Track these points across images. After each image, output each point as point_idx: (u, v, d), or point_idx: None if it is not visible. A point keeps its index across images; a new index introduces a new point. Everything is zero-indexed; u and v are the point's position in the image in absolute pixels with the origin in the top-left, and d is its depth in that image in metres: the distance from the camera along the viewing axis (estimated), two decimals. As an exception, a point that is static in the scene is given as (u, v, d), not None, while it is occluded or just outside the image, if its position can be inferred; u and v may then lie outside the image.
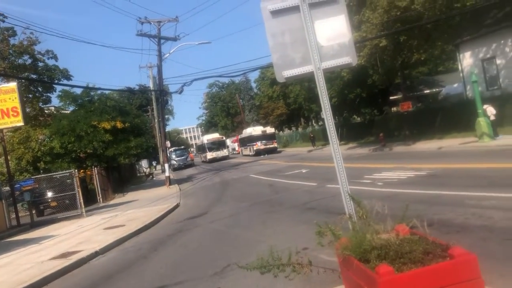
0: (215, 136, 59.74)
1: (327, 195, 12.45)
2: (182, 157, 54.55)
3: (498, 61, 24.92)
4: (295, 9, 4.37)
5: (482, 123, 19.33)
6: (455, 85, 35.59)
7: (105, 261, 9.78)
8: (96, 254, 10.31)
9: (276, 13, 4.37)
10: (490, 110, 19.93)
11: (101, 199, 24.47)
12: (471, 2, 21.59)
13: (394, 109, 39.89)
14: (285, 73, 4.37)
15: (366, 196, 8.09)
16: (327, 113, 4.43)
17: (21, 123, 17.54)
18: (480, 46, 25.94)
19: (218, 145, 55.56)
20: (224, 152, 55.13)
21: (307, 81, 41.11)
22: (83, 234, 13.56)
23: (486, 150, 16.73)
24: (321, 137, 45.95)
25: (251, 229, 10.00)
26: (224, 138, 60.27)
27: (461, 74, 28.54)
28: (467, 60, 27.30)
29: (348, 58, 4.38)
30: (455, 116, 24.66)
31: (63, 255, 10.35)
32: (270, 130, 51.03)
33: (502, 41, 24.35)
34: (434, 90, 42.70)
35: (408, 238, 3.31)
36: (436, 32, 24.89)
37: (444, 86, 40.80)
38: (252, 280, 6.28)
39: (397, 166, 16.02)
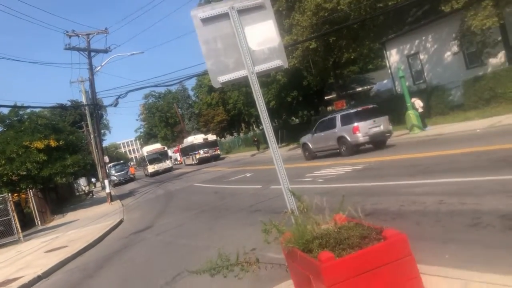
0: (155, 147, 55.79)
1: (272, 196, 12.69)
2: (122, 172, 53.04)
3: (422, 56, 26.55)
4: (224, 16, 4.51)
5: (411, 116, 20.51)
6: (385, 81, 37.44)
7: (49, 284, 9.41)
8: (39, 279, 9.86)
9: (206, 20, 4.49)
10: (418, 103, 21.20)
11: (39, 222, 23.28)
12: (392, 1, 22.87)
13: (329, 108, 41.23)
14: (220, 79, 4.50)
15: (308, 193, 8.39)
16: (263, 115, 4.61)
17: None
18: (405, 43, 27.50)
19: (160, 156, 51.76)
20: (166, 164, 51.38)
21: (244, 86, 41.55)
22: (22, 259, 12.90)
23: (417, 141, 17.76)
24: (263, 141, 46.58)
25: (199, 237, 10.01)
26: (165, 149, 56.47)
27: (389, 71, 30.09)
28: (393, 57, 28.84)
29: (279, 61, 4.58)
30: (386, 110, 25.72)
31: (3, 284, 9.80)
32: (211, 137, 50.96)
33: (424, 37, 25.98)
34: (365, 87, 44.65)
35: (346, 226, 3.53)
36: (363, 32, 26.13)
37: (375, 83, 42.76)
38: (203, 285, 6.32)
39: (336, 163, 16.63)
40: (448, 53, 24.01)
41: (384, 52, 29.82)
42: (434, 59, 25.58)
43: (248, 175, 21.86)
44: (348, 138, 18.46)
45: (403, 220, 6.71)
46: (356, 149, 18.46)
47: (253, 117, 62.29)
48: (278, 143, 39.42)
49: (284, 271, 5.26)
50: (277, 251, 5.00)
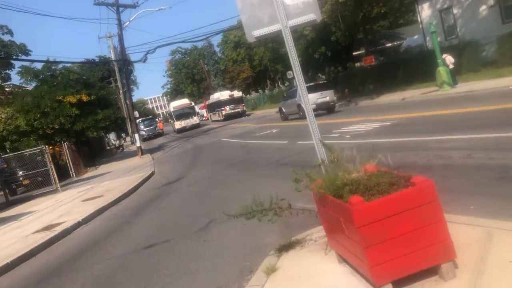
0: (182, 102, 53.34)
1: (299, 151, 12.94)
2: (151, 127, 54.04)
3: (455, 11, 25.62)
4: (260, -30, 4.59)
5: (442, 72, 20.10)
6: (415, 36, 36.39)
7: (89, 229, 10.05)
8: (79, 224, 10.53)
9: (242, -25, 4.58)
10: (449, 59, 20.70)
11: (73, 173, 24.34)
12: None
13: (357, 64, 40.55)
14: (255, 33, 4.63)
15: (336, 148, 8.57)
16: (296, 69, 4.75)
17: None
18: (438, -4, 26.53)
19: (187, 112, 49.38)
20: (194, 120, 48.63)
21: (271, 42, 41.06)
22: (62, 207, 13.69)
23: (447, 98, 17.51)
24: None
25: (229, 188, 10.40)
26: (193, 104, 53.64)
27: (420, 26, 29.21)
28: (425, 11, 27.91)
29: (313, 15, 4.66)
30: (416, 67, 25.40)
31: (47, 228, 10.53)
32: (237, 93, 50.96)
33: (458, -10, 24.98)
34: (395, 43, 43.47)
35: (375, 174, 3.73)
36: (394, -16, 25.28)
37: (405, 38, 41.57)
38: (235, 231, 6.72)
39: (363, 119, 16.64)
40: (483, 7, 23.09)
41: (416, 6, 28.86)
42: (468, 14, 24.65)
43: (274, 131, 22.09)
44: (302, 106, 20.19)
45: (430, 173, 6.82)
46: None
47: (279, 74, 61.79)
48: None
49: (313, 219, 5.57)
50: (306, 201, 5.24)
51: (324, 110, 24.60)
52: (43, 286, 6.53)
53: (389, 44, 43.97)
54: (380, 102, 23.83)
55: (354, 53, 40.85)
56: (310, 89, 20.60)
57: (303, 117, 19.75)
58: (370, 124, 14.74)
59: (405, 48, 37.68)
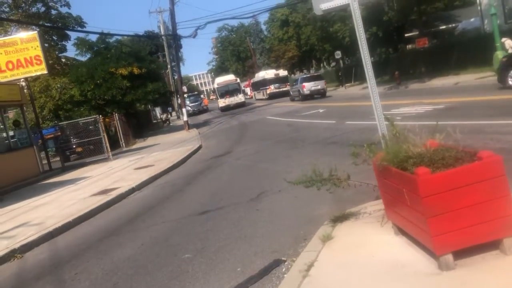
0: (227, 78, 49.70)
1: (347, 131, 12.93)
2: (196, 103, 54.97)
3: (518, -7, 24.33)
4: None
5: (499, 57, 19.20)
6: (472, 19, 34.79)
7: (143, 195, 10.53)
8: (133, 190, 11.06)
9: None
10: (509, 43, 19.73)
11: (123, 144, 25.28)
12: None
13: (409, 46, 39.36)
14: (323, 6, 4.70)
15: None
16: (362, 45, 4.80)
17: (45, 71, 18.02)
18: (499, -23, 25.22)
19: (232, 89, 46.28)
20: (239, 98, 45.52)
21: (320, 20, 40.39)
22: (115, 174, 14.35)
23: (503, 83, 16.81)
24: (334, 79, 46.08)
25: (278, 163, 10.58)
26: (238, 81, 49.06)
27: (478, 8, 27.93)
28: (485, -8, 26.62)
29: (381, -10, 4.69)
30: (472, 51, 24.43)
31: (103, 192, 11.12)
32: (283, 73, 50.67)
33: (523, -29, 23.66)
34: (450, 25, 41.70)
35: (441, 148, 3.77)
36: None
37: (461, 21, 39.80)
38: (286, 202, 6.93)
39: (414, 102, 16.31)
40: (551, -12, 21.81)
41: (476, -14, 27.58)
42: (533, -5, 23.36)
43: (320, 111, 22.02)
44: (301, 91, 33.84)
45: (487, 156, 6.76)
46: (304, 98, 33.14)
47: (326, 54, 60.81)
48: (351, 81, 38.96)
49: (366, 194, 5.66)
50: (358, 177, 5.30)
51: (318, 95, 33.52)
52: (105, 242, 6.97)
53: (444, 27, 42.23)
54: (432, 85, 23.20)
55: (406, 35, 39.59)
56: (307, 80, 34.30)
57: (300, 99, 31.59)
58: (422, 106, 14.45)
59: (460, 31, 36.14)
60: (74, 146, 23.22)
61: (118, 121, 25.17)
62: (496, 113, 10.34)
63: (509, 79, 14.25)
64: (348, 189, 5.16)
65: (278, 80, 48.12)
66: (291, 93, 37.63)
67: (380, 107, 4.80)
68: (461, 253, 3.43)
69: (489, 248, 3.48)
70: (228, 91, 46.22)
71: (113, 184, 12.21)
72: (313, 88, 32.97)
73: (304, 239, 5.13)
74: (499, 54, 19.24)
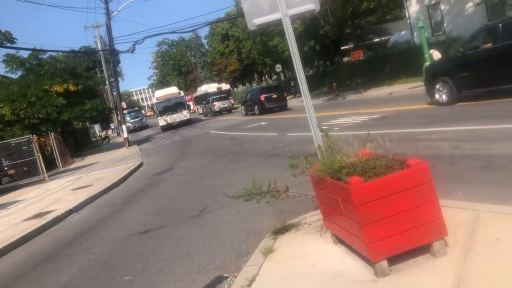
0: (169, 91, 41.14)
1: (289, 142, 13.12)
2: (137, 119, 53.77)
3: (442, 7, 25.98)
4: (260, -40, 4.72)
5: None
6: (403, 32, 36.78)
7: (81, 217, 10.08)
8: (70, 212, 10.56)
9: (243, -36, 4.70)
10: (436, 55, 20.99)
11: (60, 164, 24.16)
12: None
13: (345, 59, 40.83)
14: (256, 21, 4.76)
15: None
16: (295, 58, 4.89)
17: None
18: (425, -8, 26.86)
19: (175, 104, 38.43)
20: (183, 115, 37.90)
21: (259, 34, 41.07)
22: (51, 196, 13.67)
23: (433, 93, 17.80)
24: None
25: (221, 177, 10.52)
26: (182, 94, 41.37)
27: (408, 21, 29.56)
28: (413, 7, 28.25)
29: (312, 5, 4.81)
30: (403, 62, 25.75)
31: (37, 215, 10.54)
32: (225, 86, 50.73)
33: (445, -13, 25.34)
34: (383, 38, 43.87)
35: (372, 157, 3.91)
36: (383, -20, 25.53)
37: (393, 34, 41.99)
38: (229, 217, 6.88)
39: (351, 112, 16.88)
40: (470, 4, 23.47)
41: (404, 1, 29.17)
42: (455, 10, 25.02)
43: (263, 123, 22.24)
44: (212, 108, 42.27)
45: (419, 163, 7.08)
46: (215, 114, 42.01)
47: (267, 67, 61.82)
48: (291, 94, 39.45)
49: (307, 205, 5.74)
50: (299, 188, 5.37)
51: (225, 111, 41.22)
52: (39, 269, 6.59)
53: (377, 39, 44.37)
54: (368, 96, 24.14)
55: (342, 48, 41.13)
56: (216, 100, 42.37)
57: (211, 115, 38.74)
58: (359, 117, 14.98)
59: (393, 44, 38.09)
60: (6, 169, 21.85)
61: (54, 140, 24.07)
62: (426, 121, 10.90)
63: (436, 93, 13.08)
64: (290, 201, 5.20)
65: (220, 93, 47.77)
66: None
67: (315, 119, 4.90)
68: (395, 259, 3.55)
69: (421, 252, 3.62)
70: (170, 106, 38.50)
71: (49, 206, 11.62)
72: (221, 106, 41.62)
73: (246, 253, 5.10)
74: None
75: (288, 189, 4.85)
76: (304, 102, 4.93)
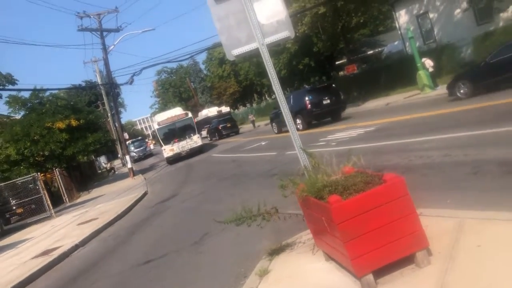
0: (174, 113, 32.15)
1: (287, 161, 13.22)
2: (141, 148, 54.12)
3: (431, 15, 26.35)
4: (235, -6, 4.95)
5: (422, 76, 20.68)
6: (396, 42, 37.19)
7: (86, 251, 10.21)
8: (76, 247, 10.70)
9: (219, -1, 4.94)
10: (428, 63, 21.31)
11: (67, 199, 24.38)
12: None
13: (341, 73, 41.20)
14: (234, 52, 4.97)
15: (321, 155, 8.91)
16: (275, 84, 5.08)
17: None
18: (413, 2, 27.28)
19: (182, 127, 30.22)
20: (194, 141, 29.57)
21: (255, 56, 41.52)
22: (58, 232, 13.82)
23: (428, 100, 18.02)
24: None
25: (221, 202, 10.64)
26: (190, 115, 32.24)
27: (399, 32, 29.94)
28: (403, 17, 28.65)
29: (287, 32, 5.02)
30: (398, 72, 26.00)
31: (44, 253, 10.68)
32: (225, 109, 51.21)
33: (433, -4, 25.76)
34: (376, 50, 44.32)
35: (352, 175, 4.05)
36: (371, -6, 25.99)
37: (386, 45, 42.43)
38: (229, 242, 6.99)
39: (348, 126, 17.06)
40: (458, 10, 23.81)
41: (393, 13, 29.61)
42: (444, 17, 25.39)
43: (263, 143, 22.39)
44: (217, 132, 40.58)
45: (411, 173, 7.20)
46: (220, 136, 39.77)
47: (265, 87, 62.36)
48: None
49: (302, 223, 5.85)
50: (296, 207, 5.51)
51: (232, 133, 39.25)
52: (46, 307, 6.71)
53: (371, 52, 44.81)
54: (366, 108, 24.31)
55: (337, 62, 41.58)
56: (221, 122, 40.73)
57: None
58: (355, 130, 15.13)
59: (386, 55, 38.46)
60: (14, 208, 22.10)
61: (59, 176, 24.33)
62: (420, 130, 11.02)
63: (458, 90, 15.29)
64: (287, 220, 5.33)
65: (221, 116, 48.00)
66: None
67: (299, 140, 5.07)
68: (382, 271, 3.66)
69: (407, 263, 3.73)
70: (175, 131, 30.01)
71: (56, 243, 11.76)
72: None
73: (244, 276, 5.22)
74: (422, 74, 20.72)
75: (278, 210, 4.97)
76: (287, 124, 5.10)
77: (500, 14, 21.12)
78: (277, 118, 24.30)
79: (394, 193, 3.59)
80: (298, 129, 21.07)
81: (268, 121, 29.55)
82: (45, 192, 18.99)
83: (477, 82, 14.69)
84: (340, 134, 15.48)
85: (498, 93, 13.32)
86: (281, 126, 23.81)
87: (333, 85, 24.73)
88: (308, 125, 21.95)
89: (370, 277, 3.57)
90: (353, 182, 3.84)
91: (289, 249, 5.27)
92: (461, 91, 15.17)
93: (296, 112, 21.36)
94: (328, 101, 21.41)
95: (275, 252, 5.27)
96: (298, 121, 21.89)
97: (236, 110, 70.58)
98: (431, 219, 4.43)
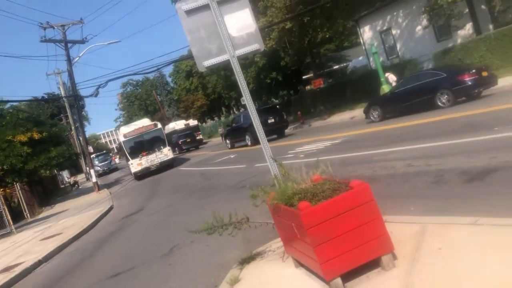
0: (140, 124, 30.05)
1: (256, 173, 13.34)
2: (106, 162, 53.04)
3: (394, 32, 27.33)
4: (206, 7, 5.05)
5: (385, 90, 21.31)
6: (360, 58, 38.24)
7: (50, 267, 9.95)
8: (39, 263, 10.38)
9: (190, 12, 5.03)
10: (391, 77, 22.04)
11: (28, 214, 23.56)
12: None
13: (308, 87, 41.92)
14: (205, 63, 5.07)
15: (290, 167, 9.07)
16: (246, 95, 5.20)
17: None
18: (377, 19, 28.24)
19: (151, 139, 28.22)
20: (164, 154, 27.39)
21: (223, 69, 41.88)
22: (19, 248, 13.37)
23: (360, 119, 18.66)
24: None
25: (190, 214, 10.61)
26: (159, 126, 29.97)
27: (363, 47, 30.84)
28: (367, 33, 29.56)
29: (257, 45, 5.17)
30: (362, 86, 26.70)
31: (5, 270, 10.33)
32: (193, 122, 50.97)
33: (395, 13, 26.74)
34: (342, 65, 45.38)
35: (321, 182, 4.19)
36: (336, 10, 26.62)
37: (351, 60, 43.52)
38: (198, 252, 7.00)
39: (316, 139, 17.36)
40: (419, 27, 24.80)
41: (358, 29, 30.52)
42: (406, 34, 26.38)
43: (232, 156, 22.45)
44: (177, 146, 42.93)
45: (376, 182, 7.43)
46: (181, 151, 42.79)
47: (233, 100, 62.57)
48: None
49: (273, 233, 5.95)
50: (265, 218, 5.62)
51: (192, 148, 42.08)
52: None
53: (337, 66, 45.86)
54: (332, 122, 24.81)
55: (304, 77, 42.28)
56: (181, 137, 43.21)
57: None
58: (322, 143, 15.43)
59: (351, 69, 39.46)
60: (-30, 224, 21.22)
61: (20, 191, 23.56)
62: (383, 143, 11.40)
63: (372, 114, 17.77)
64: (257, 230, 5.43)
65: (189, 129, 47.70)
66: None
67: (269, 151, 5.18)
68: (349, 275, 3.79)
69: (373, 266, 3.88)
70: (143, 144, 27.86)
71: (17, 259, 11.37)
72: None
73: (215, 286, 5.25)
74: (385, 88, 21.38)
75: (249, 219, 5.06)
76: (258, 134, 5.21)
77: (458, 31, 22.13)
78: (230, 135, 27.47)
79: (360, 198, 3.74)
80: (247, 145, 24.53)
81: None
82: (5, 208, 18.32)
83: (386, 108, 17.36)
84: (308, 146, 15.74)
85: (402, 117, 15.41)
86: (233, 142, 26.89)
87: (277, 106, 29.21)
88: (255, 141, 21.98)
89: (339, 280, 3.69)
90: (321, 189, 3.97)
91: (260, 258, 5.33)
92: (374, 115, 17.78)
93: (245, 130, 24.12)
94: (273, 120, 23.96)
95: (246, 260, 5.32)
96: (248, 137, 24.27)
97: (204, 123, 70.41)
98: (396, 225, 4.62)
